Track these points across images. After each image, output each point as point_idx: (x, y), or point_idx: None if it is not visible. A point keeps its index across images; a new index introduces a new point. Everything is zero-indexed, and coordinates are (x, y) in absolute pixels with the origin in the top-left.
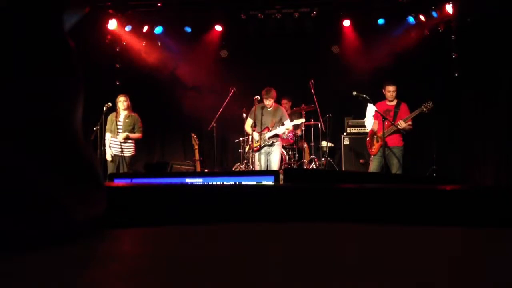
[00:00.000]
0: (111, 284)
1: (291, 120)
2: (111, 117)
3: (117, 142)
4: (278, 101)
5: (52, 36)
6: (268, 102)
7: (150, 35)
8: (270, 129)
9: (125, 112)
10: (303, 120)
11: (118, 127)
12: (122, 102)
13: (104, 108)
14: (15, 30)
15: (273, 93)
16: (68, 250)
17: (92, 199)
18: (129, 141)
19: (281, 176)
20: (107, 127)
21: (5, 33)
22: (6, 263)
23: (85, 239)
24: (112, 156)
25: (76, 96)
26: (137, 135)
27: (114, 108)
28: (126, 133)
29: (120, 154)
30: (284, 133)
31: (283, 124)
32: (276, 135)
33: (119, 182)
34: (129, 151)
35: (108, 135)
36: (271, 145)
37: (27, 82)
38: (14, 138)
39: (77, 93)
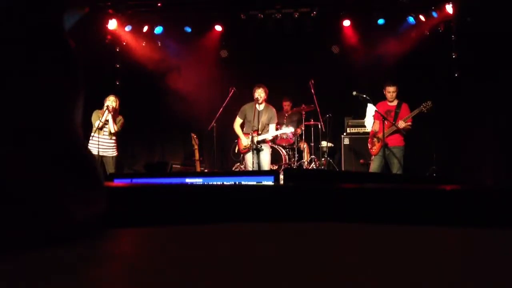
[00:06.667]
0: (111, 284)
1: (291, 121)
2: (97, 115)
3: (99, 141)
4: (279, 103)
5: (52, 36)
6: (261, 95)
7: (150, 35)
8: (260, 132)
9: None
10: (291, 129)
11: (105, 126)
12: (117, 102)
13: (105, 108)
14: (15, 30)
15: (265, 88)
16: (68, 250)
17: (92, 199)
18: (112, 140)
19: (281, 176)
20: (94, 123)
21: (4, 33)
22: (5, 263)
23: (85, 239)
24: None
25: (76, 96)
26: (118, 126)
27: (100, 107)
28: (119, 122)
29: (102, 154)
30: (284, 134)
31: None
32: (264, 140)
33: (119, 182)
34: (112, 151)
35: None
36: (258, 149)
37: (26, 82)
38: (14, 139)
39: (77, 93)
